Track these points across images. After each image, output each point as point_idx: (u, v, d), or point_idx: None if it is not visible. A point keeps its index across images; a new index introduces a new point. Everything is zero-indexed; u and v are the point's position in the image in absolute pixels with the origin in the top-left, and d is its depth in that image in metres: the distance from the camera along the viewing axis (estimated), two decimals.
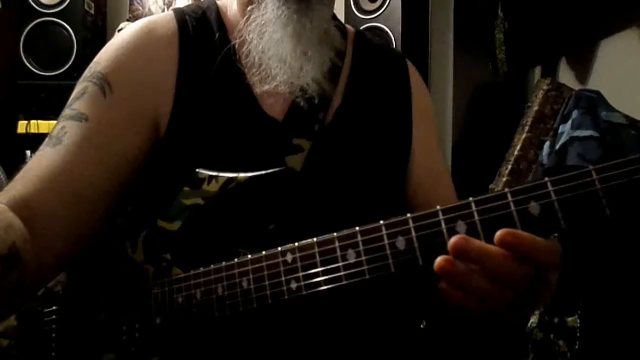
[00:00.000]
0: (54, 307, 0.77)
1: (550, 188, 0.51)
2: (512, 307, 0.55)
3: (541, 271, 0.53)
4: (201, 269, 0.69)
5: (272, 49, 0.78)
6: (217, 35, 0.83)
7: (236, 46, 0.81)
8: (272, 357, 0.74)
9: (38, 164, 0.70)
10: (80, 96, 0.77)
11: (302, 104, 0.81)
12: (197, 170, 0.73)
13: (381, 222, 0.58)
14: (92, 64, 0.81)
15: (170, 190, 0.75)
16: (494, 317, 0.58)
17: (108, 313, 0.74)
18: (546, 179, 0.52)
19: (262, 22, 0.78)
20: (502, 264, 0.51)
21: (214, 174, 0.72)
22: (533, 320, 1.48)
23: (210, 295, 0.67)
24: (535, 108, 1.74)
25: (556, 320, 1.42)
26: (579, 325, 1.38)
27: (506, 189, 0.53)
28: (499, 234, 0.51)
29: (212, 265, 0.68)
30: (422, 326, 1.00)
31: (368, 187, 0.81)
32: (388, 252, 0.57)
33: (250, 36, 0.79)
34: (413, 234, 0.56)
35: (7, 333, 0.77)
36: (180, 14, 0.86)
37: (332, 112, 0.83)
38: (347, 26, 0.95)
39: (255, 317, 0.67)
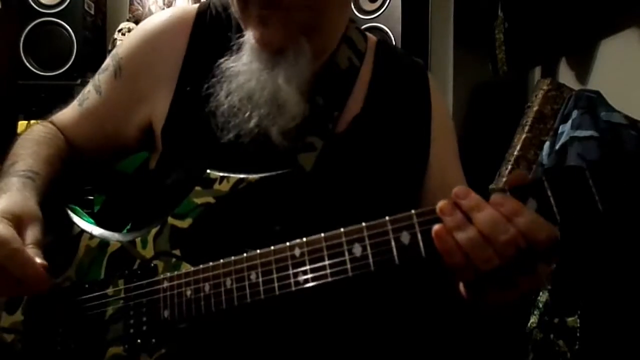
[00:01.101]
0: (62, 302, 0.79)
1: (546, 185, 0.56)
2: (496, 281, 0.57)
3: (530, 252, 0.55)
4: (210, 263, 0.70)
5: (240, 97, 0.78)
6: (234, 26, 0.83)
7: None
8: (279, 349, 0.75)
9: (69, 113, 0.95)
10: (104, 71, 0.91)
11: (317, 100, 0.81)
12: (208, 171, 0.75)
13: (387, 218, 0.61)
14: (120, 43, 0.94)
15: (182, 189, 0.77)
16: (478, 293, 0.60)
17: (115, 308, 0.75)
18: (542, 177, 0.56)
19: (235, 73, 0.79)
20: (492, 216, 0.55)
21: (226, 174, 0.74)
22: (533, 320, 1.48)
23: (219, 289, 0.69)
24: (535, 108, 1.74)
25: (556, 320, 1.42)
26: (579, 325, 1.38)
27: (506, 187, 0.57)
28: (492, 196, 0.57)
29: (221, 260, 0.70)
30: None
31: (378, 195, 0.81)
32: (393, 245, 0.60)
33: (220, 90, 0.79)
34: (417, 228, 0.59)
35: (13, 328, 0.78)
36: (204, 6, 0.88)
37: (349, 119, 0.83)
38: (369, 35, 0.94)
39: (262, 309, 0.68)
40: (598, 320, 1.37)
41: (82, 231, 0.82)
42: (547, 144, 1.63)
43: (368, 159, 0.82)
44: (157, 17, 0.90)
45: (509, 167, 1.75)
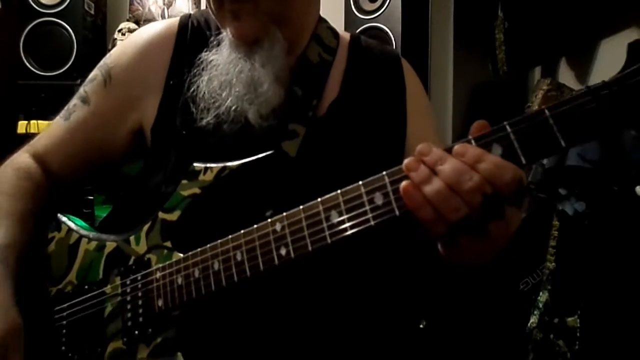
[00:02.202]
0: (65, 305, 0.82)
1: (509, 130, 0.57)
2: (468, 230, 0.58)
3: (497, 196, 0.56)
4: (198, 249, 0.73)
5: (219, 82, 0.83)
6: (212, 37, 0.87)
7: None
8: (271, 329, 0.77)
9: (53, 131, 0.95)
10: (91, 81, 0.94)
11: (296, 90, 0.86)
12: (193, 164, 0.78)
13: (360, 182, 0.63)
14: (108, 54, 0.96)
15: (171, 185, 0.80)
16: (453, 247, 0.61)
17: (113, 304, 0.78)
18: (505, 122, 0.58)
19: (215, 64, 0.84)
20: (455, 167, 0.57)
21: (209, 165, 0.77)
22: (533, 320, 1.48)
23: (207, 271, 0.71)
24: (535, 108, 1.74)
25: (556, 320, 1.42)
26: (579, 325, 1.38)
27: (470, 137, 0.60)
28: (454, 147, 0.59)
29: (208, 245, 0.72)
30: (422, 326, 1.00)
31: (362, 173, 0.82)
32: (367, 207, 0.62)
33: (201, 79, 0.84)
34: (389, 188, 0.61)
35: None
36: (185, 18, 0.94)
37: (328, 105, 0.87)
38: (343, 32, 0.99)
39: (251, 288, 0.70)
40: (598, 320, 1.37)
41: (81, 237, 0.85)
42: None
43: (348, 140, 0.85)
44: (144, 30, 0.95)
45: None
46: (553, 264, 1.47)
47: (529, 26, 1.95)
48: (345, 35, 0.98)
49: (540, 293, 1.49)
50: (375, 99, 0.91)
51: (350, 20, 2.19)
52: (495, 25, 1.99)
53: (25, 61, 2.33)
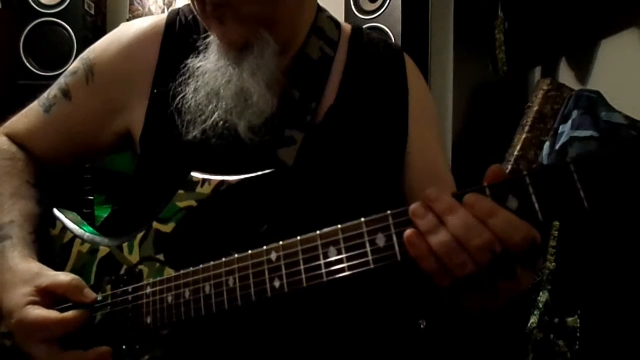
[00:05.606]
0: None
1: (528, 181, 0.52)
2: (474, 286, 0.55)
3: (507, 255, 0.53)
4: (190, 268, 0.70)
5: (206, 93, 0.79)
6: (200, 39, 0.83)
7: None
8: (259, 355, 0.76)
9: (32, 120, 0.92)
10: (73, 74, 0.90)
11: (293, 93, 0.82)
12: (191, 174, 0.75)
13: (362, 219, 0.59)
14: (91, 47, 0.91)
15: (166, 192, 0.77)
16: (459, 298, 0.59)
17: (103, 314, 0.76)
18: (524, 172, 0.53)
19: (202, 71, 0.80)
20: (464, 219, 0.53)
21: (207, 177, 0.74)
22: (533, 320, 1.48)
23: (198, 294, 0.68)
24: (535, 108, 1.74)
25: (556, 320, 1.42)
26: (579, 325, 1.38)
27: (485, 184, 0.55)
28: (465, 196, 0.54)
29: (200, 265, 0.69)
30: (422, 326, 1.00)
31: (361, 184, 0.81)
32: (368, 248, 0.58)
33: (187, 88, 0.80)
34: (392, 230, 0.57)
35: (10, 334, 0.78)
36: (173, 14, 0.89)
37: (326, 109, 0.83)
38: (344, 23, 0.94)
39: (241, 315, 0.68)
40: (598, 320, 1.37)
41: (75, 237, 0.83)
42: (547, 144, 1.63)
43: (348, 147, 0.82)
44: (128, 27, 0.90)
45: (509, 167, 1.75)
46: (553, 264, 1.47)
47: (529, 26, 1.95)
48: (347, 27, 0.93)
49: (540, 293, 1.49)
50: (376, 100, 0.86)
51: (350, 20, 2.18)
52: (495, 25, 1.99)
53: (25, 61, 2.33)
